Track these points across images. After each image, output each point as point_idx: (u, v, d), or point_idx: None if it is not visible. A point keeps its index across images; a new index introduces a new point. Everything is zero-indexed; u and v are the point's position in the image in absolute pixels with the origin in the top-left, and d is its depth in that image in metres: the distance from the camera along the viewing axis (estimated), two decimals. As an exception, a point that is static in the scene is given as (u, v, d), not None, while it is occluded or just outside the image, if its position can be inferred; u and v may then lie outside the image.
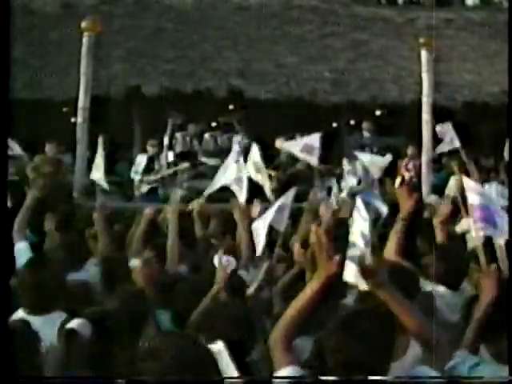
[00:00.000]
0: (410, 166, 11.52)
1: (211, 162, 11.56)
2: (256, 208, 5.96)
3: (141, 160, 11.80)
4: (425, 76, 9.03)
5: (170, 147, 12.88)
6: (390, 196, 6.40)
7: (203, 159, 12.09)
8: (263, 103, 13.82)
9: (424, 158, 8.98)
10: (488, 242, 4.16)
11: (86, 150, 9.13)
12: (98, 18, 9.60)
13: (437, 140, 8.97)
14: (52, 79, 13.59)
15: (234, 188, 5.83)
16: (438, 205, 6.73)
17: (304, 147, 7.16)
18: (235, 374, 2.45)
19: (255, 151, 6.60)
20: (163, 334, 2.99)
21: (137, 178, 11.62)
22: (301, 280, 4.20)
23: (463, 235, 6.56)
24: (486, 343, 3.18)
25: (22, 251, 4.89)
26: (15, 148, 8.18)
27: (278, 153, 12.73)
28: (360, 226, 2.69)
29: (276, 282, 4.59)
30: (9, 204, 5.26)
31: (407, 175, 11.35)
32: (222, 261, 4.19)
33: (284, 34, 15.87)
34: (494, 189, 6.98)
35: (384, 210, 6.11)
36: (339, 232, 3.64)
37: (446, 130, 7.37)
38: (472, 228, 3.94)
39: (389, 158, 7.56)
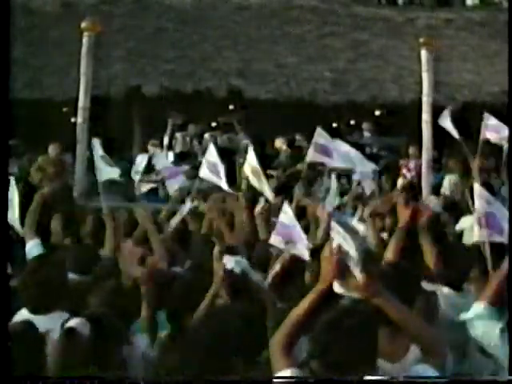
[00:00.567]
0: (412, 165, 11.53)
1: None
2: (260, 205, 5.93)
3: (141, 160, 11.79)
4: (425, 76, 9.00)
5: (170, 147, 12.90)
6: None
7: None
8: (263, 103, 13.83)
9: (424, 158, 8.97)
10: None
11: (85, 150, 9.10)
12: (97, 18, 9.58)
13: (437, 140, 8.98)
14: (52, 79, 13.61)
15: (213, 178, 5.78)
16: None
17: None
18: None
19: (251, 155, 6.52)
20: None
21: (137, 177, 11.61)
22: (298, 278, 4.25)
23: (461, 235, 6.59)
24: None
25: (34, 248, 4.96)
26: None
27: (277, 153, 12.76)
28: (345, 247, 2.68)
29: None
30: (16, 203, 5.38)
31: (409, 175, 11.36)
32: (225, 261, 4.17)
33: (284, 34, 15.88)
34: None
35: (360, 228, 5.95)
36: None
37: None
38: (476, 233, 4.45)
39: (372, 165, 7.60)
